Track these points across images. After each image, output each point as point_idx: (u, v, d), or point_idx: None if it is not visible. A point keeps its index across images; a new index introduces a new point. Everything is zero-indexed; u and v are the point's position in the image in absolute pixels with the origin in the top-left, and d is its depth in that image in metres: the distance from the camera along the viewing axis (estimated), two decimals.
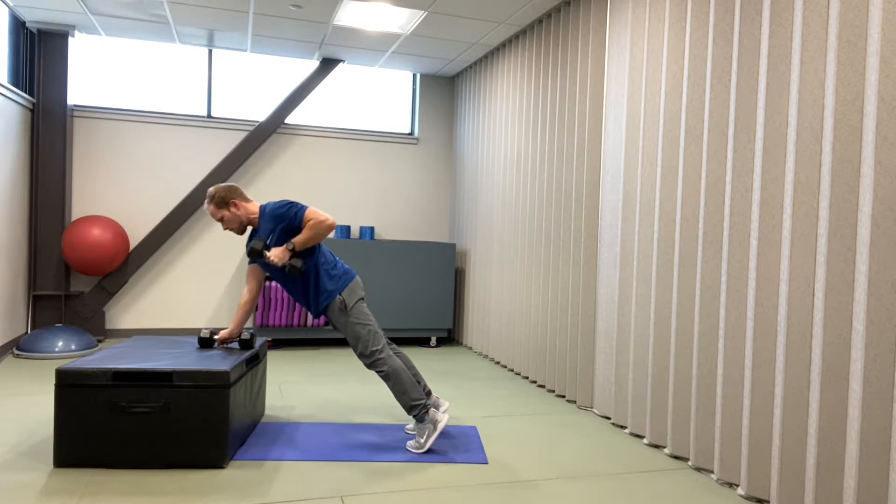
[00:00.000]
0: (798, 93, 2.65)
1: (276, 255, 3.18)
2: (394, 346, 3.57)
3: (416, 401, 3.23)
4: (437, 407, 3.58)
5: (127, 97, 6.25)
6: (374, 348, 3.23)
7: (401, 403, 3.26)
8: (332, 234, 6.73)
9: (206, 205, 3.34)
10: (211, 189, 3.31)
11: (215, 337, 3.52)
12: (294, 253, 3.21)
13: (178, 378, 2.93)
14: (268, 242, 3.25)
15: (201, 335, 3.50)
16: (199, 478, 2.86)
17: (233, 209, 3.31)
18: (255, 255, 3.21)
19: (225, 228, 3.36)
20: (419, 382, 3.53)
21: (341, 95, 6.85)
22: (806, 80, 2.62)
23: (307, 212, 3.21)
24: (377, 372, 3.24)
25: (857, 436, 2.36)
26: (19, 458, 3.02)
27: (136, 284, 6.23)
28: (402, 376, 3.23)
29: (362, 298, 3.34)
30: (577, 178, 4.44)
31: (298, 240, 3.18)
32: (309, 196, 6.67)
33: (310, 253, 3.27)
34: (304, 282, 3.28)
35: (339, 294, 3.25)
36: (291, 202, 3.26)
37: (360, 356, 3.25)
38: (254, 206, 3.36)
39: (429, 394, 3.59)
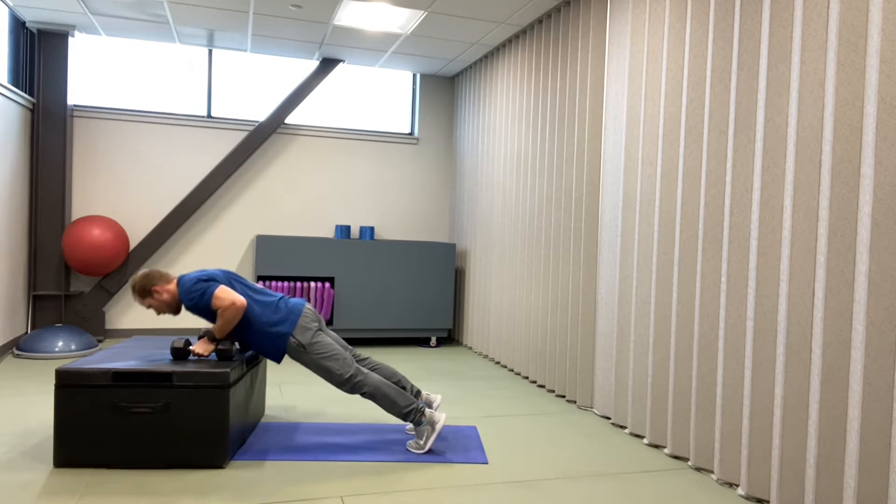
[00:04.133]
0: (798, 93, 2.65)
1: (200, 349, 3.17)
2: (369, 359, 3.54)
3: (407, 408, 3.23)
4: (429, 404, 3.57)
5: (127, 97, 6.25)
6: (348, 375, 3.20)
7: (394, 415, 3.25)
8: (331, 235, 6.73)
9: (133, 296, 3.32)
10: (130, 281, 3.28)
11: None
12: (216, 340, 3.19)
13: (178, 378, 2.93)
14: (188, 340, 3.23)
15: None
16: (199, 478, 2.86)
17: (156, 296, 3.24)
18: (178, 355, 3.16)
19: (158, 314, 3.30)
20: (405, 388, 3.51)
21: (341, 95, 6.85)
22: (806, 80, 2.62)
23: (214, 296, 3.11)
24: (360, 394, 3.23)
25: (857, 436, 2.36)
26: (19, 458, 3.02)
27: None
28: (385, 391, 3.22)
29: (319, 329, 3.28)
30: (577, 178, 4.44)
31: (216, 329, 3.15)
32: (309, 196, 6.68)
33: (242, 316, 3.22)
34: (252, 338, 3.24)
35: (291, 336, 3.19)
36: (200, 283, 3.15)
37: (338, 386, 3.23)
38: (173, 286, 3.26)
39: (417, 394, 3.57)
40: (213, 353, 3.24)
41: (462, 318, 6.66)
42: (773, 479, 2.73)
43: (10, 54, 5.44)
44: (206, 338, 3.20)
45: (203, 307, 3.16)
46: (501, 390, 4.73)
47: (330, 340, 3.27)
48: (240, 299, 3.13)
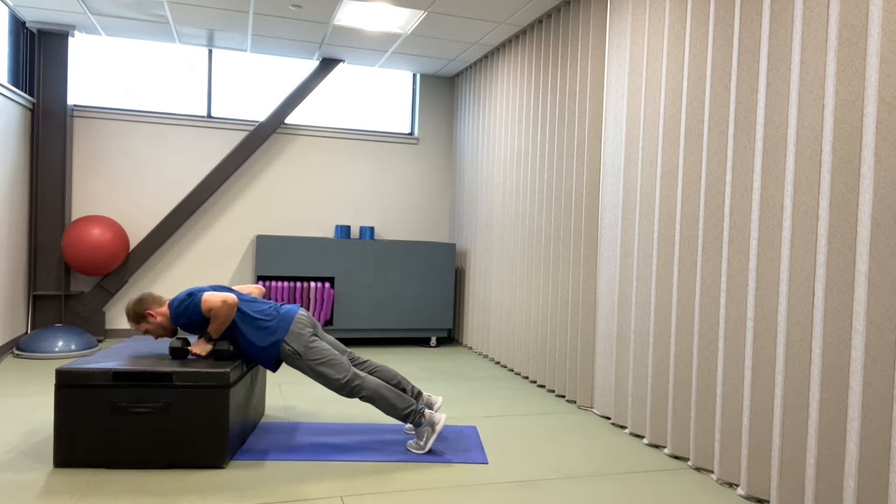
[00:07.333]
0: (798, 93, 2.65)
1: (198, 348, 3.18)
2: (368, 362, 3.53)
3: (405, 410, 3.22)
4: (430, 405, 3.56)
5: (127, 97, 6.25)
6: (346, 379, 3.18)
7: (393, 417, 3.25)
8: (331, 235, 6.73)
9: (129, 323, 3.33)
10: (125, 308, 3.31)
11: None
12: (214, 340, 3.20)
13: (178, 378, 2.93)
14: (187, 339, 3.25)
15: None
16: (199, 478, 2.86)
17: (150, 319, 3.27)
18: (177, 355, 3.18)
19: (155, 338, 3.35)
20: (405, 390, 3.50)
21: (341, 95, 6.85)
22: (806, 80, 2.62)
23: (203, 301, 3.13)
24: (359, 398, 3.22)
25: (857, 436, 2.36)
26: (19, 458, 3.02)
27: (136, 284, 6.23)
28: (383, 393, 3.21)
29: (314, 334, 3.28)
30: (577, 178, 4.44)
31: (211, 329, 3.16)
32: (309, 196, 6.68)
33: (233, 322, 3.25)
34: (246, 347, 3.25)
35: (283, 342, 3.20)
36: (189, 294, 3.19)
37: (337, 391, 3.22)
38: (166, 308, 3.30)
39: (418, 395, 3.55)
40: (215, 353, 3.24)
41: (462, 318, 6.66)
42: (773, 479, 2.73)
43: (10, 54, 5.43)
44: (203, 338, 3.21)
45: (196, 320, 3.18)
46: (501, 390, 4.73)
47: (326, 345, 3.26)
48: (230, 297, 3.14)
